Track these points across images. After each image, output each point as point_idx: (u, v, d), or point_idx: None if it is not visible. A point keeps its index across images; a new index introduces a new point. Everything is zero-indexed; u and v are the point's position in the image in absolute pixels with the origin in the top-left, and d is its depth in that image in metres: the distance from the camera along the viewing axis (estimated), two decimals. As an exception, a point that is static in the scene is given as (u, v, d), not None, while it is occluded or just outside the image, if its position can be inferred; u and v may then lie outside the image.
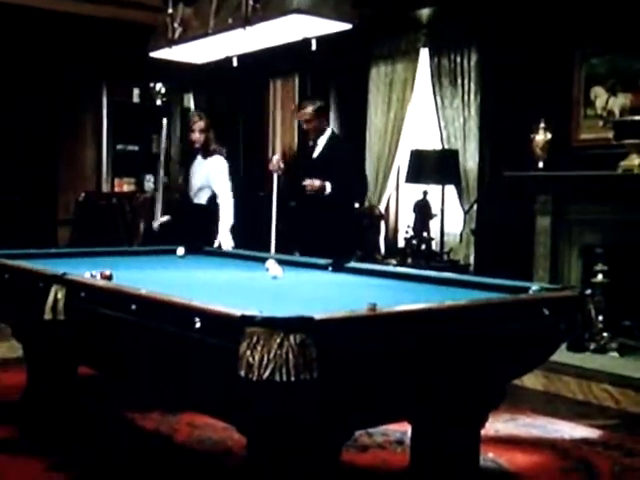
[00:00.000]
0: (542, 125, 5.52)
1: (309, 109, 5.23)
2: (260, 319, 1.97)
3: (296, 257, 4.41)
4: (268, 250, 5.11)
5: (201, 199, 5.42)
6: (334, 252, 4.17)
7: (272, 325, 1.94)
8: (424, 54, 6.72)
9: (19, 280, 3.33)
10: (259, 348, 1.91)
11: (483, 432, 2.91)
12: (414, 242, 6.35)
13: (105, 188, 7.99)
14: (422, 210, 6.43)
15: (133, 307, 2.46)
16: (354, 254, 5.68)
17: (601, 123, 5.36)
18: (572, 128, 5.62)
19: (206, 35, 3.98)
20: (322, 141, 5.26)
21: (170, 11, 4.14)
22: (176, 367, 2.36)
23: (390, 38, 6.94)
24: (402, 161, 6.90)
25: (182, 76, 7.22)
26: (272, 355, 1.90)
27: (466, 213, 6.39)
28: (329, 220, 5.10)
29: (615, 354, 5.02)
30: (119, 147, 8.04)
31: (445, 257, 6.33)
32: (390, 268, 4.41)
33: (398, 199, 7.28)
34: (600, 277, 5.13)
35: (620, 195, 5.09)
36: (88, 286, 2.83)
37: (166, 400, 3.78)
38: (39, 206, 7.51)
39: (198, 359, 2.23)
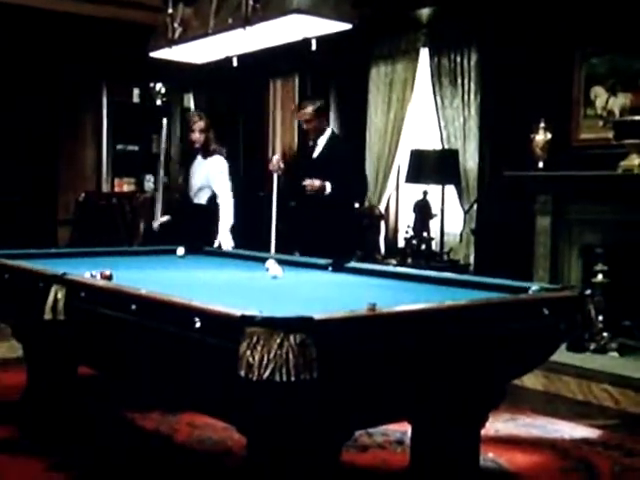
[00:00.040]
0: (542, 125, 5.52)
1: (309, 109, 5.23)
2: (260, 319, 1.97)
3: (296, 257, 4.41)
4: (268, 250, 5.11)
5: (201, 199, 5.42)
6: (334, 252, 4.17)
7: (272, 325, 1.94)
8: (424, 54, 6.72)
9: (19, 280, 3.33)
10: (259, 348, 1.91)
11: (483, 432, 2.91)
12: (414, 242, 6.35)
13: (105, 188, 8.00)
14: (422, 210, 6.43)
15: (133, 307, 2.46)
16: (354, 254, 5.68)
17: (601, 123, 5.36)
18: (572, 128, 5.62)
19: (206, 35, 3.98)
20: (322, 141, 5.26)
21: (170, 11, 4.14)
22: (176, 367, 2.36)
23: (390, 38, 6.94)
24: (402, 161, 6.90)
25: (182, 76, 7.22)
26: (272, 355, 1.90)
27: (466, 213, 6.39)
28: (329, 220, 5.10)
29: (615, 354, 5.02)
30: (119, 147, 8.04)
31: (445, 257, 6.33)
32: (390, 268, 4.41)
33: (398, 199, 7.28)
34: (600, 277, 5.13)
35: (620, 195, 5.09)
36: (88, 286, 2.83)
37: (166, 400, 3.78)
38: (39, 206, 7.51)
39: (198, 359, 2.23)
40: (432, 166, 6.23)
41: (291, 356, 1.90)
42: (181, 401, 3.08)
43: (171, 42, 4.19)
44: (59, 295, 2.83)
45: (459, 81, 6.38)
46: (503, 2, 5.94)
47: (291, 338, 1.91)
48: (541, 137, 5.54)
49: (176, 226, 5.50)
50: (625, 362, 4.90)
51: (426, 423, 2.84)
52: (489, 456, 3.42)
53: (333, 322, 2.06)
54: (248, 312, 2.01)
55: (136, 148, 8.17)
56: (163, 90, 8.16)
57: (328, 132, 5.31)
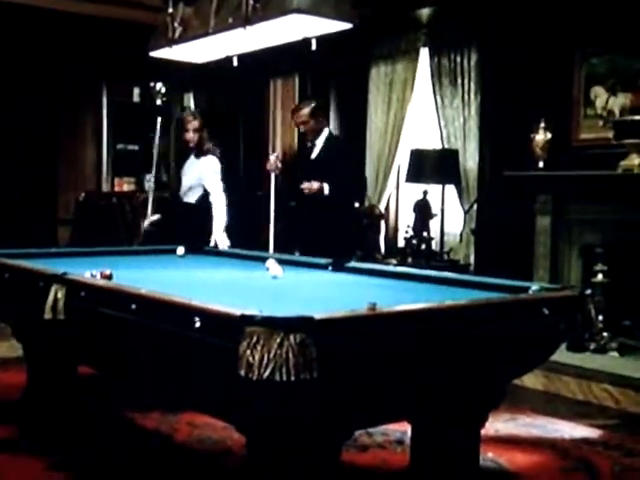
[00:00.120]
0: (542, 125, 5.53)
1: (305, 110, 5.23)
2: (260, 319, 1.97)
3: (296, 257, 4.41)
4: (267, 249, 5.11)
5: (191, 198, 5.40)
6: (334, 252, 4.18)
7: (272, 325, 1.94)
8: (424, 54, 6.73)
9: (19, 280, 3.33)
10: (259, 348, 1.91)
11: (483, 432, 2.91)
12: (414, 242, 6.35)
13: (105, 188, 8.01)
14: (422, 210, 6.43)
15: (133, 307, 2.46)
16: (354, 254, 5.69)
17: (601, 123, 5.36)
18: (572, 128, 5.62)
19: (206, 35, 3.98)
20: (320, 142, 5.26)
21: (170, 11, 4.14)
22: (176, 367, 2.36)
23: (390, 38, 6.94)
24: (402, 161, 6.90)
25: (182, 76, 7.23)
26: (272, 355, 1.90)
27: (466, 213, 6.39)
28: (329, 220, 5.10)
29: (615, 354, 5.02)
30: (119, 147, 8.05)
31: (445, 257, 6.33)
32: (390, 268, 4.40)
33: (398, 199, 7.28)
34: (600, 277, 5.13)
35: (620, 195, 5.09)
36: (88, 286, 2.83)
37: (166, 400, 3.78)
38: (39, 206, 7.51)
39: (198, 359, 2.23)
40: (432, 166, 6.24)
41: (291, 356, 1.90)
42: (181, 401, 3.08)
43: (171, 42, 4.19)
44: (59, 295, 2.83)
45: (459, 81, 6.38)
46: (503, 2, 5.94)
47: (291, 338, 1.91)
48: (541, 137, 5.54)
49: (167, 225, 5.50)
50: (625, 362, 4.90)
51: (426, 423, 2.84)
52: (489, 456, 3.42)
53: (333, 322, 2.06)
54: (248, 312, 2.01)
55: (136, 148, 8.17)
56: (163, 90, 8.16)
57: (326, 132, 5.32)
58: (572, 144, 5.61)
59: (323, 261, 3.78)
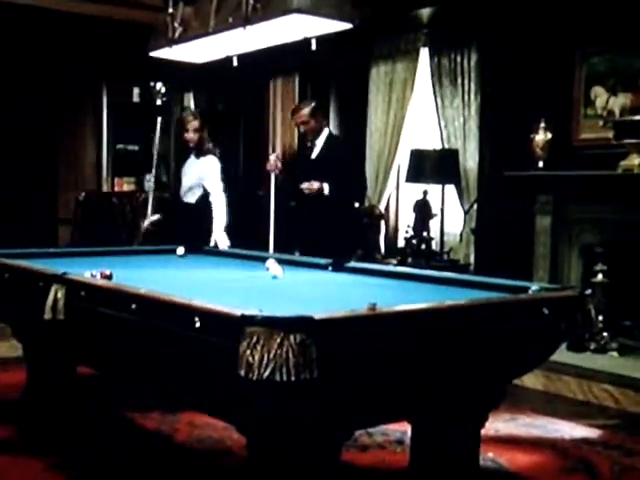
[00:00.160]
0: (542, 125, 5.52)
1: (305, 110, 5.24)
2: (260, 319, 1.97)
3: (296, 257, 4.41)
4: (266, 249, 5.11)
5: (191, 198, 5.40)
6: (334, 252, 4.17)
7: (272, 325, 1.93)
8: (424, 54, 6.72)
9: (19, 280, 3.33)
10: (259, 348, 1.91)
11: (483, 432, 2.90)
12: (414, 242, 6.35)
13: (105, 188, 8.00)
14: (422, 210, 6.43)
15: (133, 307, 2.46)
16: (354, 254, 5.69)
17: (601, 123, 5.36)
18: (572, 128, 5.61)
19: (206, 35, 3.98)
20: (320, 141, 5.27)
21: (170, 10, 4.14)
22: (176, 367, 2.36)
23: (390, 38, 6.94)
24: (402, 161, 6.90)
25: (182, 76, 7.22)
26: (272, 355, 1.90)
27: (466, 213, 6.39)
28: (329, 220, 5.10)
29: (615, 354, 5.02)
30: (119, 147, 8.05)
31: (445, 257, 6.33)
32: (390, 268, 4.41)
33: (398, 199, 7.28)
34: (600, 277, 5.13)
35: (620, 195, 5.09)
36: (88, 285, 2.83)
37: (166, 400, 3.78)
38: (39, 205, 7.51)
39: (198, 359, 2.23)
40: (432, 166, 6.23)
41: (291, 356, 1.90)
42: (181, 401, 3.08)
43: (171, 42, 4.19)
44: (59, 294, 2.83)
45: (459, 81, 6.38)
46: (503, 2, 5.94)
47: (291, 338, 1.91)
48: (541, 137, 5.54)
49: (167, 225, 5.50)
50: (625, 362, 4.90)
51: (426, 423, 2.84)
52: (489, 456, 3.42)
53: (333, 322, 2.06)
54: (248, 312, 2.01)
55: (136, 148, 8.17)
56: (163, 90, 8.16)
57: (325, 132, 5.32)
58: (572, 144, 5.60)
59: (323, 261, 3.78)
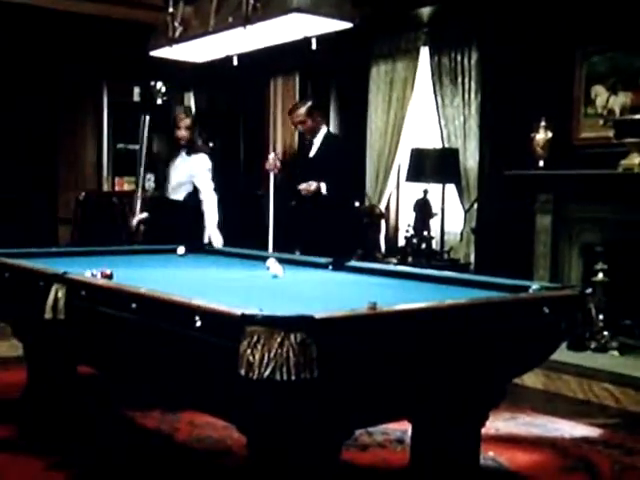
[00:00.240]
0: (543, 124, 5.52)
1: (301, 110, 5.25)
2: (260, 318, 1.97)
3: (296, 256, 4.41)
4: (266, 248, 5.10)
5: (179, 195, 5.40)
6: (334, 251, 4.18)
7: (272, 324, 1.93)
8: (424, 53, 6.72)
9: (19, 279, 3.33)
10: (259, 347, 1.91)
11: (483, 431, 2.91)
12: (414, 241, 6.35)
13: (105, 187, 8.00)
14: (422, 209, 6.43)
15: (133, 306, 2.46)
16: (354, 253, 5.69)
17: (602, 122, 5.36)
18: (573, 127, 5.61)
19: (206, 34, 3.98)
20: (318, 140, 5.28)
21: (171, 10, 4.14)
22: (176, 366, 2.36)
23: (390, 37, 6.94)
24: (402, 160, 6.90)
25: (183, 75, 7.22)
26: (272, 354, 1.90)
27: (466, 212, 6.39)
28: (329, 219, 5.10)
29: (615, 353, 5.02)
30: (119, 146, 8.05)
31: (445, 256, 6.33)
32: (390, 267, 4.40)
33: (398, 198, 7.28)
34: (600, 276, 5.13)
35: (620, 194, 5.09)
36: (88, 285, 2.83)
37: (166, 399, 3.78)
38: (39, 205, 7.51)
39: (198, 358, 2.23)
40: (432, 165, 6.23)
41: (291, 355, 1.90)
42: (181, 400, 3.08)
43: (171, 41, 4.18)
44: (59, 294, 2.83)
45: (459, 80, 6.38)
46: (503, 1, 5.94)
47: (291, 337, 1.91)
48: (542, 136, 5.54)
49: (155, 223, 5.50)
50: (625, 361, 4.90)
51: (426, 422, 2.84)
52: (489, 455, 3.42)
53: (334, 321, 2.06)
54: (249, 311, 2.01)
55: (137, 147, 8.15)
56: (164, 89, 8.16)
57: (323, 131, 5.33)
58: (573, 143, 5.60)
59: (323, 260, 3.78)
